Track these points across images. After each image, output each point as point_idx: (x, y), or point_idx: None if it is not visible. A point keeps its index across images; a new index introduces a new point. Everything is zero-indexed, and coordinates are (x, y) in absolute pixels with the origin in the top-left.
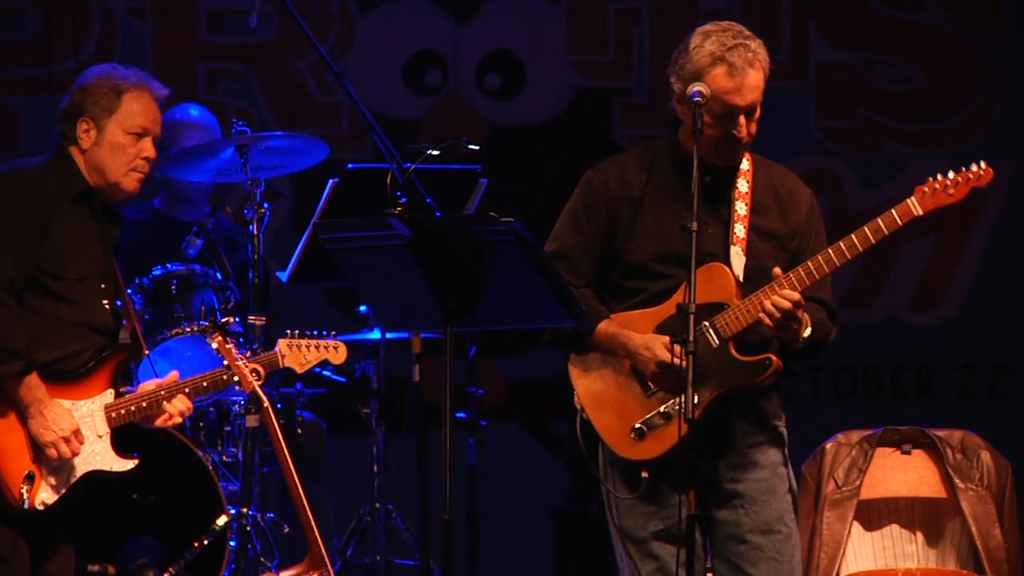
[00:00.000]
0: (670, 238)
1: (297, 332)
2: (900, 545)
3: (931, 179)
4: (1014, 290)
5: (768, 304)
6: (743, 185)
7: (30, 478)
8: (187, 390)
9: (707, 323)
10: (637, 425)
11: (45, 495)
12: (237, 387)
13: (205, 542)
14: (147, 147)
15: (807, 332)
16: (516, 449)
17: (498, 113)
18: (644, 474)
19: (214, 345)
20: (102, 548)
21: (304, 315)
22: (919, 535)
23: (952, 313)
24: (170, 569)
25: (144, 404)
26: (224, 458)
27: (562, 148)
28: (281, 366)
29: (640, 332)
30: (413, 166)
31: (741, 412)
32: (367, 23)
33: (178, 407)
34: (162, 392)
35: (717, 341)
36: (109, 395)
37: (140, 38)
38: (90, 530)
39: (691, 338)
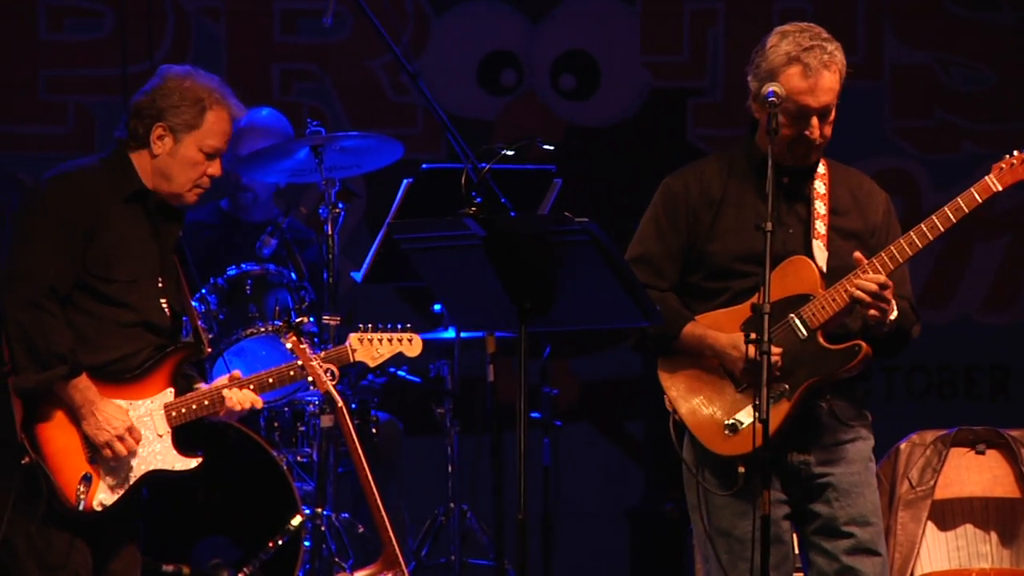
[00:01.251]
0: (751, 237)
1: (370, 326)
2: (974, 545)
3: (1007, 156)
4: None
5: (854, 289)
6: (820, 187)
7: (87, 479)
8: (252, 386)
9: (793, 315)
10: (729, 421)
11: (103, 496)
12: (311, 387)
13: (280, 542)
14: (216, 166)
15: (893, 315)
16: (590, 449)
17: (573, 113)
18: (740, 469)
19: (288, 345)
20: (177, 548)
21: (378, 315)
22: (993, 535)
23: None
24: (244, 569)
25: (206, 402)
26: (299, 458)
27: (637, 148)
28: (352, 360)
29: (726, 331)
30: (488, 166)
31: (830, 407)
32: (442, 23)
33: (239, 400)
34: (224, 390)
35: (805, 332)
36: (169, 394)
37: (214, 39)
38: (164, 530)
39: (765, 338)
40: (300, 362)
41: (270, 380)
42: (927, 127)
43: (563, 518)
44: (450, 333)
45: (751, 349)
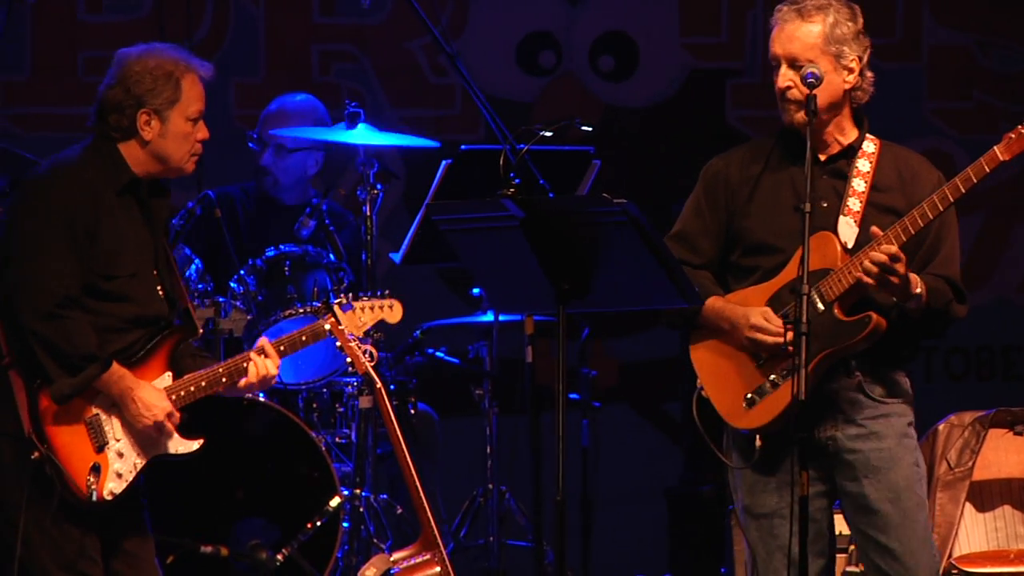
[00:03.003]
0: (782, 215)
1: (351, 295)
2: (1013, 527)
3: (1018, 127)
4: None
5: (866, 262)
6: (864, 165)
7: (96, 469)
8: (282, 347)
9: (813, 288)
10: (748, 395)
11: (112, 484)
12: (350, 368)
13: (318, 523)
14: (203, 129)
15: (917, 290)
16: (628, 430)
17: (611, 94)
18: (758, 442)
19: (327, 326)
20: (215, 530)
21: (416, 296)
22: None
23: None
24: (283, 550)
25: (203, 383)
26: (337, 439)
27: (675, 129)
28: (348, 331)
29: (753, 306)
30: (526, 147)
31: (860, 383)
32: (480, 4)
33: (261, 366)
34: (220, 368)
35: (822, 306)
36: (167, 378)
37: (252, 20)
38: (203, 512)
39: (803, 319)
40: (339, 343)
41: (303, 338)
42: (965, 108)
43: (601, 499)
44: (489, 315)
45: (759, 319)
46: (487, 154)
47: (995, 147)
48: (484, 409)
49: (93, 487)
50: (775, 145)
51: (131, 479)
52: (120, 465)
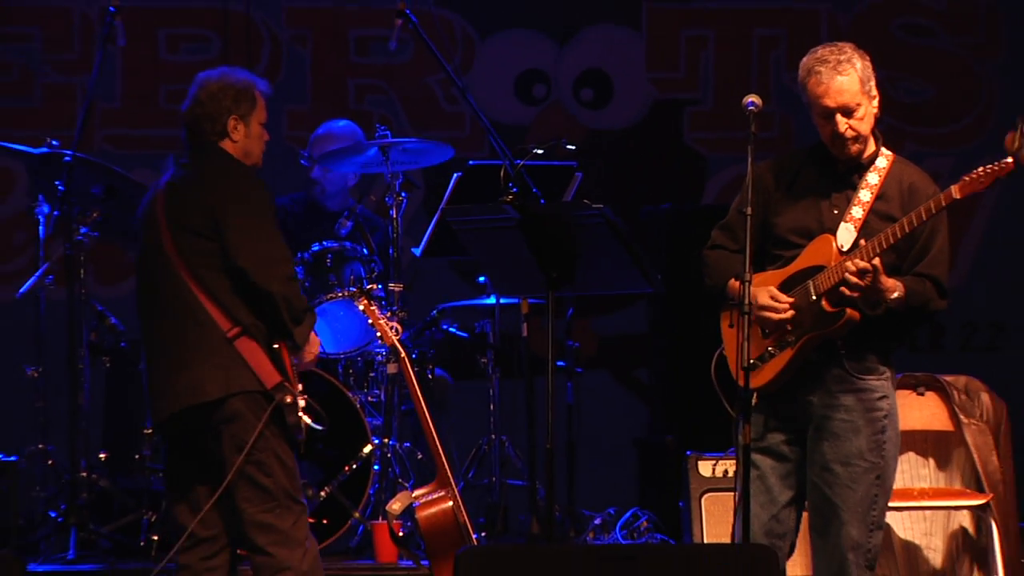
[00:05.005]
0: (803, 215)
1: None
2: (915, 469)
3: (976, 171)
4: (1009, 264)
5: (844, 275)
6: (874, 178)
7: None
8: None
9: (810, 281)
10: (753, 360)
11: (307, 422)
12: (379, 341)
13: (354, 466)
14: (266, 132)
15: (894, 295)
16: (605, 392)
17: (591, 120)
18: (754, 401)
19: (360, 307)
20: None
21: (434, 283)
22: (931, 461)
23: (958, 281)
24: (325, 488)
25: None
26: (369, 399)
27: (643, 148)
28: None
29: (769, 286)
30: (522, 163)
31: (842, 361)
32: (485, 46)
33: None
34: None
35: (815, 297)
36: None
37: (301, 60)
38: None
39: (746, 301)
40: (371, 320)
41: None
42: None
43: (583, 447)
44: (492, 299)
45: (765, 299)
46: (490, 168)
47: (952, 186)
48: (488, 374)
49: (304, 425)
50: (807, 157)
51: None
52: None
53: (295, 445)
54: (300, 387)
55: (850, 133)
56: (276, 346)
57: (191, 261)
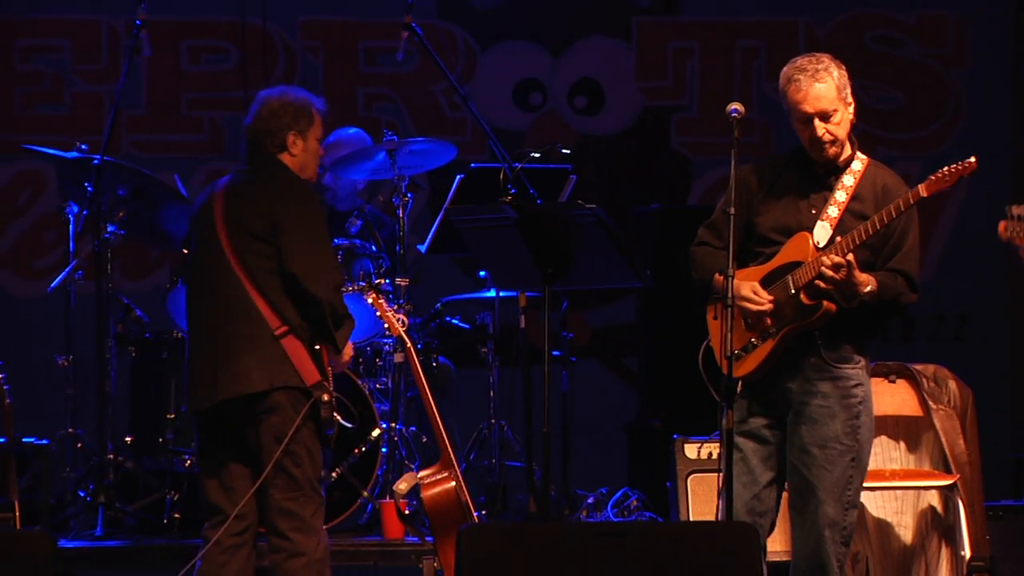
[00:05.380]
0: (783, 215)
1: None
2: (887, 452)
3: (940, 170)
4: (974, 259)
5: (821, 268)
6: (849, 180)
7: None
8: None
9: (789, 276)
10: (737, 351)
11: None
12: (387, 332)
13: (363, 449)
14: (321, 148)
15: (867, 288)
16: (598, 379)
17: (584, 126)
18: (739, 388)
19: (369, 300)
20: None
21: (438, 278)
22: (902, 444)
23: (927, 276)
24: (337, 469)
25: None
26: (377, 386)
27: (632, 152)
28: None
29: (751, 281)
30: (520, 166)
31: (819, 350)
32: (486, 57)
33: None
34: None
35: (793, 291)
36: None
37: (314, 69)
38: None
39: (729, 295)
40: (379, 313)
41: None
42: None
43: (577, 431)
44: (492, 292)
45: (748, 292)
46: (490, 171)
47: (919, 185)
48: (488, 363)
49: (337, 422)
50: (787, 161)
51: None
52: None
53: (325, 440)
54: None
55: (828, 137)
56: (318, 347)
57: (246, 261)
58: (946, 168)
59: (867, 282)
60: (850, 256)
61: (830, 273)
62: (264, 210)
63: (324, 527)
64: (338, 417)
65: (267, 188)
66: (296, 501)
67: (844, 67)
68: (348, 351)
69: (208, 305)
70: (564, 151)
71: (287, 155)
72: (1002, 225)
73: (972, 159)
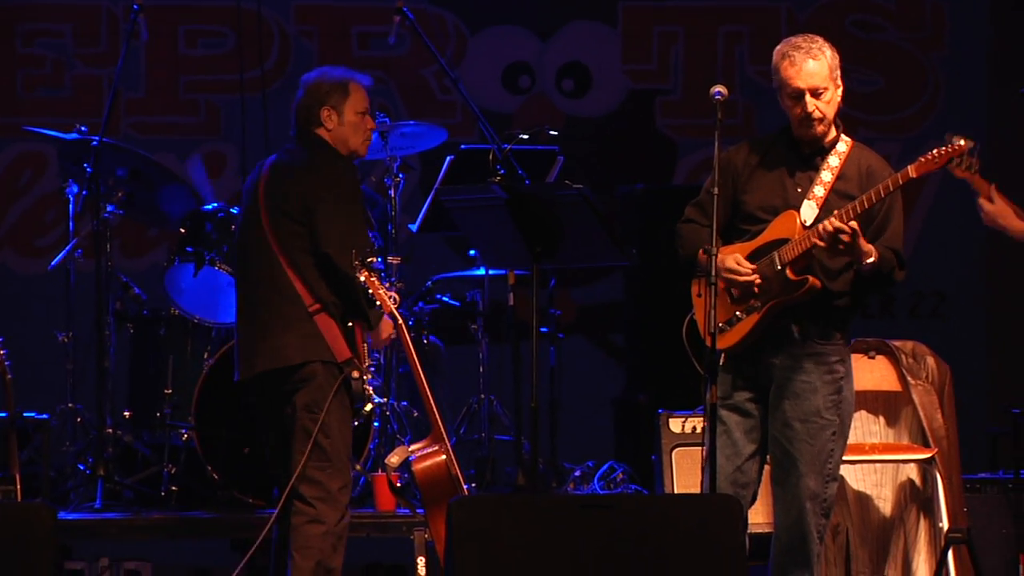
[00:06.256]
0: (769, 194)
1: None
2: (867, 426)
3: (930, 152)
4: (952, 238)
5: (819, 228)
6: (835, 160)
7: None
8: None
9: (775, 252)
10: (721, 324)
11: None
12: (378, 309)
13: (356, 423)
14: (370, 121)
15: (871, 259)
16: (584, 355)
17: (571, 108)
18: (722, 360)
19: (362, 278)
20: None
21: (428, 256)
22: (881, 419)
23: (907, 255)
24: None
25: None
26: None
27: (618, 134)
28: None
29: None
30: (509, 147)
31: (801, 327)
32: (476, 41)
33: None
34: None
35: (779, 266)
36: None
37: (308, 53)
38: None
39: (713, 272)
40: (371, 290)
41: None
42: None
43: (564, 406)
44: (481, 270)
45: (732, 263)
46: (480, 152)
47: (909, 166)
48: (478, 339)
49: (368, 396)
50: (774, 141)
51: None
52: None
53: (357, 415)
54: (369, 363)
55: (817, 114)
56: (351, 324)
57: (283, 240)
58: (936, 150)
59: (871, 252)
60: (854, 223)
61: (830, 236)
62: (298, 190)
63: (348, 507)
64: (370, 391)
65: (303, 167)
66: (324, 472)
67: (836, 50)
68: (387, 328)
69: (251, 282)
70: (551, 133)
71: (323, 130)
72: (955, 162)
73: (962, 141)
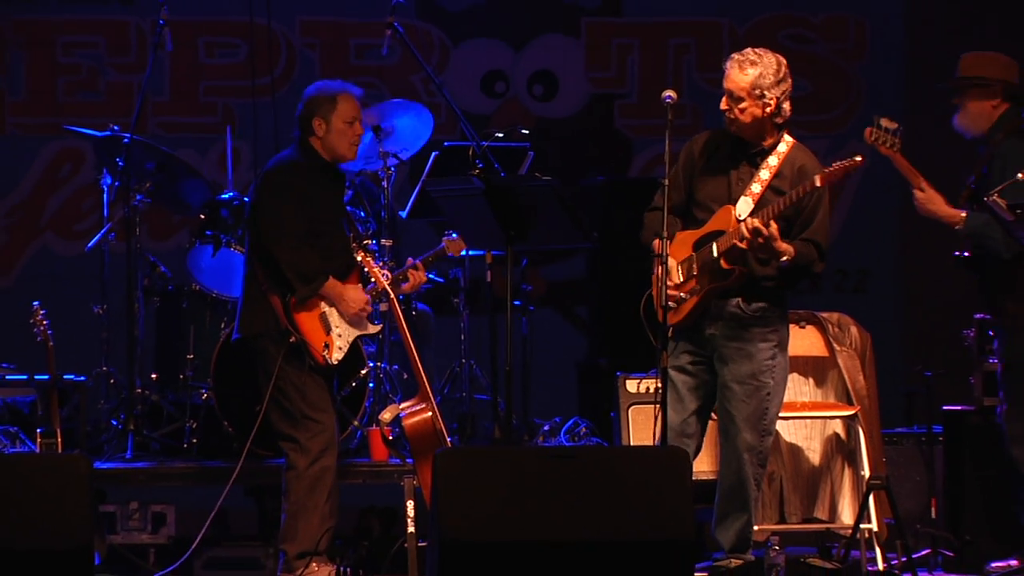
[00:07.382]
0: (715, 186)
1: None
2: (798, 387)
3: (833, 164)
4: (874, 219)
5: (741, 228)
6: (773, 160)
7: (327, 346)
8: (424, 265)
9: (714, 242)
10: (671, 304)
11: (337, 354)
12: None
13: (353, 384)
14: (358, 128)
15: (784, 258)
16: (552, 325)
17: (541, 110)
18: (670, 334)
19: (358, 257)
20: None
21: (415, 239)
22: (810, 380)
23: (833, 236)
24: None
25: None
26: None
27: (581, 133)
28: (447, 254)
29: (685, 244)
30: (486, 144)
31: (738, 304)
32: (458, 52)
33: (419, 279)
34: (399, 275)
35: (716, 255)
36: (359, 287)
37: (311, 62)
38: None
39: (664, 255)
40: (366, 268)
41: (430, 259)
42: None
43: (535, 369)
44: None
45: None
46: (461, 149)
47: (816, 175)
48: (459, 311)
49: (327, 356)
50: (726, 136)
51: (346, 349)
52: (340, 342)
53: (322, 373)
54: (374, 329)
55: (729, 115)
56: (288, 299)
57: (254, 230)
58: (836, 164)
59: (786, 251)
60: (773, 225)
61: (749, 236)
62: (257, 186)
63: (330, 453)
64: (323, 355)
65: (269, 169)
66: (292, 427)
67: (785, 79)
68: (358, 301)
69: (246, 262)
70: (524, 132)
71: (314, 138)
72: (868, 131)
73: (859, 157)
